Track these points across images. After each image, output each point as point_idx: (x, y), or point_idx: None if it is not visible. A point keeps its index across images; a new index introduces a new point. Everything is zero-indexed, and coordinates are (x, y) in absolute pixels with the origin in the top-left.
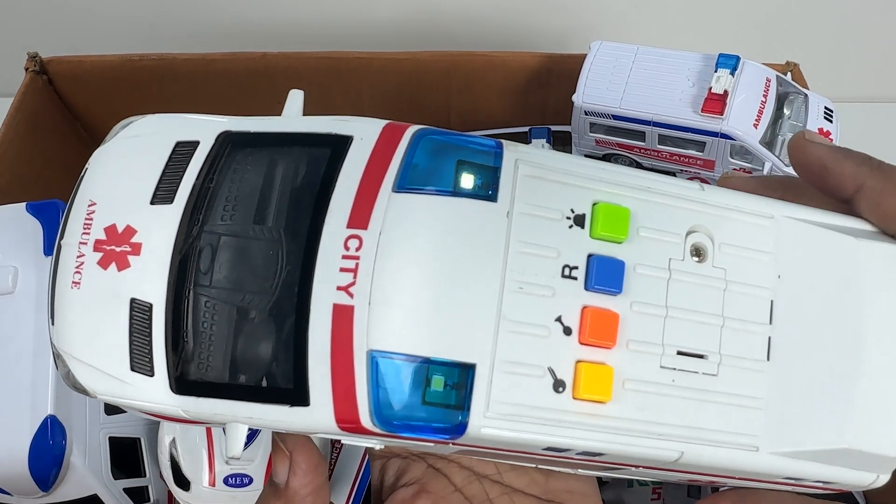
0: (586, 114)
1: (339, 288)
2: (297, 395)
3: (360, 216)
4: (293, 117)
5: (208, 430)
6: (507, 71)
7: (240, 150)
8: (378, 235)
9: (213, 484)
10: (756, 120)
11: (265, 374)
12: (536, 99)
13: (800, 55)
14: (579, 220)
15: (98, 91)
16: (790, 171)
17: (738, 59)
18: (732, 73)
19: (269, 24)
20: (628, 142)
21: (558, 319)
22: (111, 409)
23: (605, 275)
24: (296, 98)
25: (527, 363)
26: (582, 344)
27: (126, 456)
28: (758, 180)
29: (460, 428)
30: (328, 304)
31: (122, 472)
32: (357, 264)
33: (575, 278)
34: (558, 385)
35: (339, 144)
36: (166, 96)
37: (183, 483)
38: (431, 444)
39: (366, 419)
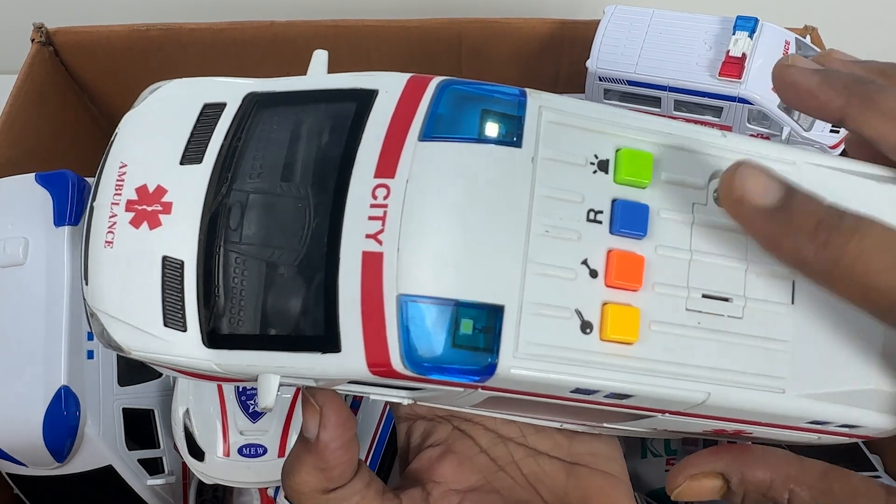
0: (601, 80)
1: (367, 236)
2: (329, 341)
3: (387, 165)
4: (317, 76)
5: (222, 401)
6: (519, 38)
7: (266, 109)
8: (405, 183)
9: (227, 454)
10: None
11: (296, 323)
12: (549, 66)
13: (818, 20)
14: (603, 166)
15: (105, 62)
16: (809, 136)
17: (756, 20)
18: (751, 36)
19: None
20: (643, 108)
21: (584, 262)
22: (125, 381)
23: (629, 218)
24: (320, 57)
25: (554, 305)
26: (608, 286)
27: (140, 427)
28: (821, 77)
29: (489, 369)
30: (357, 252)
31: (137, 443)
32: (385, 212)
33: (600, 222)
34: (585, 326)
35: (365, 98)
36: (173, 66)
37: (197, 454)
38: (461, 389)
39: (397, 362)
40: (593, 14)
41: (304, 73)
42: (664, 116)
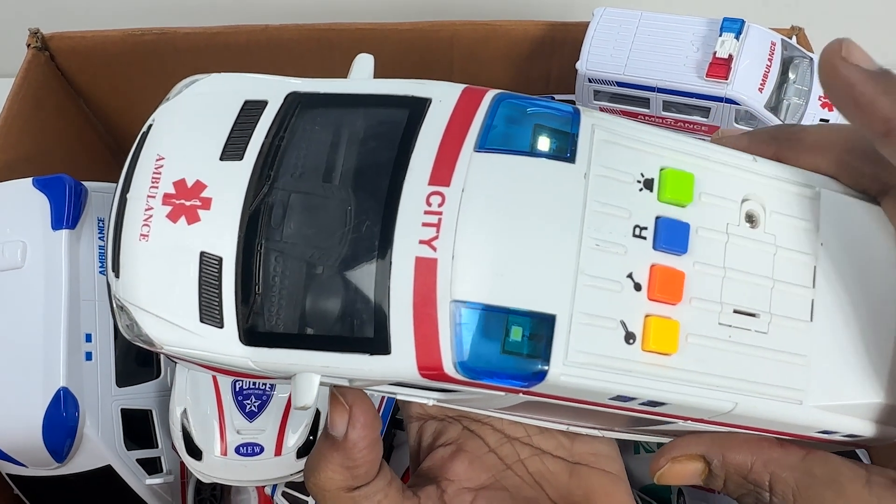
0: (590, 81)
1: (421, 241)
2: (378, 343)
3: (442, 174)
4: (364, 80)
5: (219, 401)
6: (511, 40)
7: (310, 110)
8: (461, 192)
9: (224, 453)
10: (761, 84)
11: (342, 324)
12: (540, 68)
13: (805, 20)
14: (648, 184)
15: (100, 66)
16: None
17: (742, 22)
18: (737, 38)
19: None
20: (632, 109)
21: (629, 276)
22: (123, 382)
23: (671, 236)
24: (365, 62)
25: (602, 315)
26: (650, 300)
27: (138, 427)
28: (749, 136)
29: (539, 375)
30: (411, 257)
31: (135, 443)
32: (440, 219)
33: (644, 238)
34: (629, 337)
35: (418, 106)
36: (168, 70)
37: (195, 453)
38: (501, 393)
39: (448, 367)
40: (584, 16)
41: (297, 74)
42: (653, 117)
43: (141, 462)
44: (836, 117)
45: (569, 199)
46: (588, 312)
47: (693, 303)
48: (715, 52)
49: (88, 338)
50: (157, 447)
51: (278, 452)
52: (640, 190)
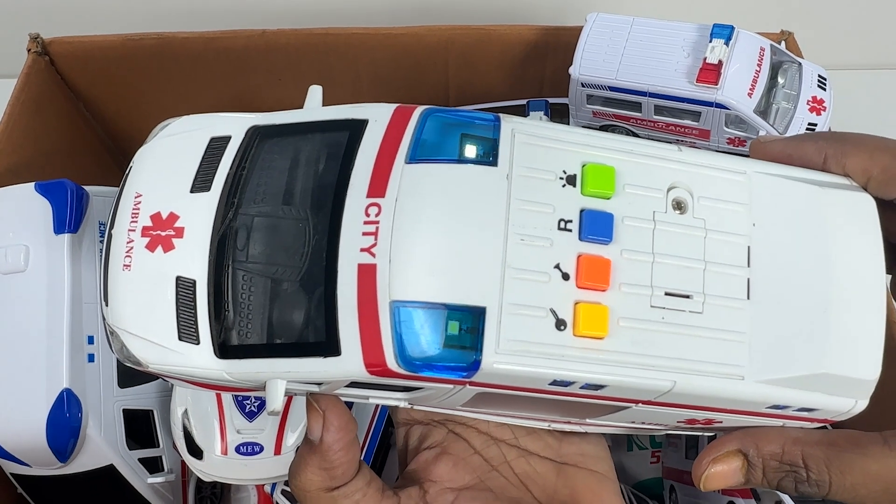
0: (583, 86)
1: (362, 249)
2: (330, 346)
3: (377, 186)
4: (313, 108)
5: (219, 401)
6: (505, 44)
7: (267, 140)
8: (395, 201)
9: (225, 452)
10: (750, 89)
11: (300, 332)
12: (534, 72)
13: (794, 24)
14: (571, 180)
15: (100, 71)
16: None
17: (732, 28)
18: (727, 43)
19: (267, 1)
20: (625, 113)
21: (557, 266)
22: (124, 383)
23: (596, 226)
24: (315, 92)
25: (531, 305)
26: (579, 287)
27: (140, 427)
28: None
29: (475, 365)
30: (353, 265)
31: (137, 442)
32: (377, 228)
33: (570, 230)
34: (560, 324)
35: (356, 127)
36: (167, 75)
37: (196, 452)
38: (450, 387)
39: (391, 362)
40: (577, 21)
41: (294, 78)
42: (645, 120)
43: (143, 461)
44: (823, 122)
45: (493, 199)
46: (517, 303)
47: (622, 288)
48: (705, 58)
49: (91, 340)
50: (159, 447)
51: (278, 451)
52: (564, 186)
